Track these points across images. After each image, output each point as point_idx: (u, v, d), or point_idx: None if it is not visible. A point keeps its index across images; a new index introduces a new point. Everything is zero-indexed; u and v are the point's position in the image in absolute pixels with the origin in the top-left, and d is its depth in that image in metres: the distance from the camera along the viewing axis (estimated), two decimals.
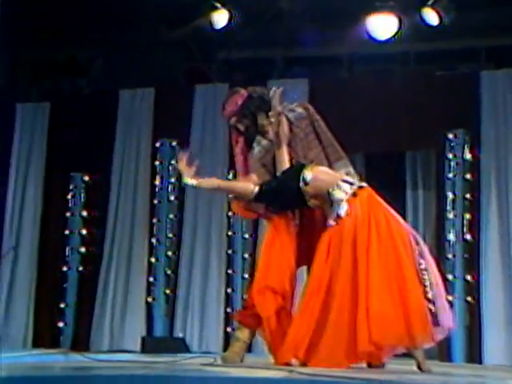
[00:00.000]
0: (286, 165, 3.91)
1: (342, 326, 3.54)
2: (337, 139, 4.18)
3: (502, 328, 5.91)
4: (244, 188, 3.92)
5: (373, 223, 3.66)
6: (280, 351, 3.69)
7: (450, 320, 3.72)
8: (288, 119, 4.02)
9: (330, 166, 3.99)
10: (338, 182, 3.77)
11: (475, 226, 6.21)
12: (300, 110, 4.09)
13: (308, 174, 3.80)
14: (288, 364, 3.56)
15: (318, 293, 3.65)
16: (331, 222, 3.71)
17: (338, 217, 3.68)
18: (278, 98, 4.01)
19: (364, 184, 3.83)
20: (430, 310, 3.58)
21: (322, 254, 3.71)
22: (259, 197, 3.84)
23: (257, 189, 3.84)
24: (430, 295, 3.59)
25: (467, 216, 6.24)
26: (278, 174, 3.92)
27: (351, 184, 3.77)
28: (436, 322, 3.59)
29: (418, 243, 3.71)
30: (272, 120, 4.00)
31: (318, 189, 3.78)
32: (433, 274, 3.68)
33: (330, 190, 3.74)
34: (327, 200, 3.75)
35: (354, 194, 3.73)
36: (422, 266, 3.63)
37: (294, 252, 3.90)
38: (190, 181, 3.95)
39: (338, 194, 3.72)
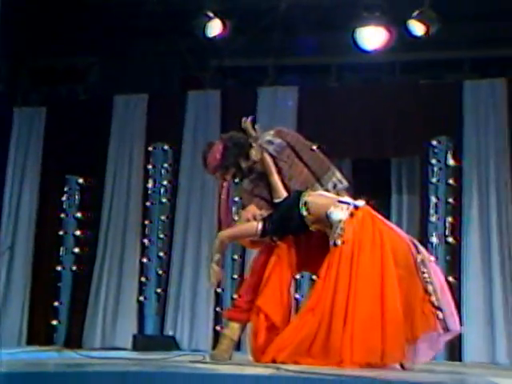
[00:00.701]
0: (281, 190, 3.92)
1: (329, 342, 3.54)
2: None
3: (481, 327, 5.96)
4: (248, 228, 3.91)
5: (367, 244, 3.67)
6: (263, 354, 3.69)
7: (458, 324, 3.73)
8: (270, 154, 3.99)
9: (319, 180, 3.99)
10: (335, 203, 3.78)
11: (457, 229, 6.26)
12: (278, 140, 4.04)
13: (306, 201, 3.80)
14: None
15: (313, 310, 3.66)
16: (333, 243, 3.71)
17: (338, 237, 3.69)
18: (250, 127, 4.03)
19: (360, 203, 3.82)
20: (438, 316, 3.59)
21: (322, 273, 3.71)
22: (264, 233, 3.85)
23: (260, 225, 3.85)
24: (435, 303, 3.60)
25: (449, 219, 6.30)
26: (276, 200, 3.93)
27: (348, 204, 3.78)
28: (445, 327, 3.61)
29: (419, 252, 3.71)
30: (254, 145, 3.99)
31: (316, 213, 3.78)
32: (437, 281, 3.68)
33: (328, 212, 3.75)
34: (327, 223, 3.76)
35: (351, 215, 3.73)
36: (425, 275, 3.64)
37: (291, 275, 3.92)
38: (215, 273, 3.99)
39: (335, 216, 3.73)
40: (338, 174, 4.05)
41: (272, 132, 4.09)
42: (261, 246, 4.00)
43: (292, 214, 3.81)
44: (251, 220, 3.92)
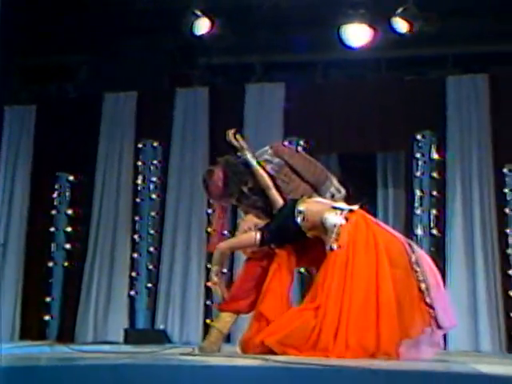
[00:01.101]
0: (280, 202, 3.92)
1: (319, 340, 3.57)
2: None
3: (464, 316, 6.00)
4: (247, 239, 3.90)
5: (361, 246, 3.69)
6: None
7: (452, 319, 3.77)
8: (268, 173, 3.97)
9: (317, 191, 4.00)
10: (329, 209, 3.79)
11: (441, 222, 6.32)
12: (276, 159, 4.02)
13: (301, 209, 3.82)
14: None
15: (309, 310, 3.67)
16: (329, 248, 3.73)
17: (334, 242, 3.71)
18: (233, 139, 4.00)
19: (354, 207, 3.85)
20: (430, 314, 3.62)
21: (320, 279, 3.73)
22: (262, 242, 3.86)
23: (259, 235, 3.85)
24: (428, 300, 3.63)
25: (434, 212, 6.36)
26: (275, 211, 3.92)
27: (342, 209, 3.80)
28: (437, 324, 3.63)
29: (413, 251, 3.74)
30: (243, 157, 3.97)
31: (312, 220, 3.80)
32: (431, 278, 3.71)
33: (323, 218, 3.76)
34: (322, 229, 3.78)
35: (346, 219, 3.75)
36: (418, 274, 3.67)
37: (291, 281, 3.90)
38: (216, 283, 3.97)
39: (330, 221, 3.75)
40: (336, 183, 4.06)
41: (270, 150, 4.06)
42: (260, 254, 3.99)
43: (288, 222, 3.83)
44: (249, 230, 3.93)
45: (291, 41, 6.68)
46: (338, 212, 3.78)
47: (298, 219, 3.80)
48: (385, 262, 3.66)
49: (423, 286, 3.65)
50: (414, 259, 3.70)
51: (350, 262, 3.67)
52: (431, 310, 3.63)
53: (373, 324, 3.57)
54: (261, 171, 3.96)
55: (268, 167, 3.99)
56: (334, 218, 3.75)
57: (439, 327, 3.66)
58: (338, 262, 3.68)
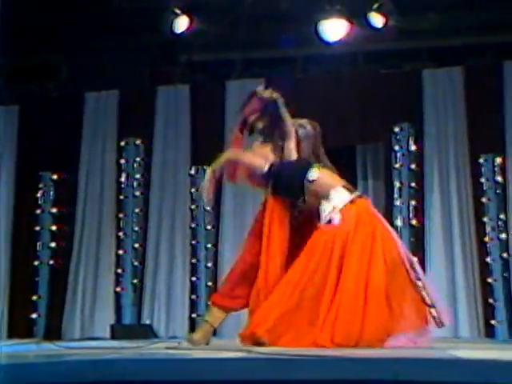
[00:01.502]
0: (294, 155, 3.91)
1: (311, 318, 3.59)
2: None
3: (444, 303, 6.05)
4: (257, 162, 3.91)
5: (359, 238, 3.70)
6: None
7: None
8: (297, 135, 3.98)
9: None
10: (339, 188, 3.81)
11: (420, 212, 6.36)
12: (309, 127, 4.06)
13: (314, 173, 3.83)
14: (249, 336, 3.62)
15: (296, 284, 3.67)
16: (325, 221, 3.75)
17: (331, 221, 3.73)
18: (263, 93, 4.04)
19: (361, 195, 3.89)
20: (432, 314, 3.69)
21: (310, 250, 3.72)
22: (266, 175, 3.88)
23: (267, 167, 3.87)
24: (428, 301, 3.69)
25: (413, 203, 6.39)
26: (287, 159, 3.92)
27: (351, 191, 3.82)
28: (440, 323, 3.72)
29: (407, 255, 3.78)
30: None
31: (319, 189, 3.80)
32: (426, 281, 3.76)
33: (333, 190, 3.77)
34: (323, 200, 3.78)
35: (352, 201, 3.76)
36: (419, 275, 3.72)
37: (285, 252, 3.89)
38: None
39: (337, 197, 3.76)
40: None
41: (306, 120, 4.10)
42: (253, 184, 4.01)
43: (296, 176, 3.83)
44: (261, 157, 3.91)
45: (272, 36, 6.69)
46: (347, 193, 3.79)
47: (310, 175, 3.79)
48: (379, 256, 3.67)
49: (422, 286, 3.69)
50: (410, 261, 3.74)
51: (349, 249, 3.66)
52: (432, 310, 3.68)
53: (359, 318, 3.58)
54: (289, 118, 3.94)
55: (300, 131, 4.01)
56: (341, 196, 3.76)
57: (441, 325, 3.73)
58: (335, 243, 3.67)
